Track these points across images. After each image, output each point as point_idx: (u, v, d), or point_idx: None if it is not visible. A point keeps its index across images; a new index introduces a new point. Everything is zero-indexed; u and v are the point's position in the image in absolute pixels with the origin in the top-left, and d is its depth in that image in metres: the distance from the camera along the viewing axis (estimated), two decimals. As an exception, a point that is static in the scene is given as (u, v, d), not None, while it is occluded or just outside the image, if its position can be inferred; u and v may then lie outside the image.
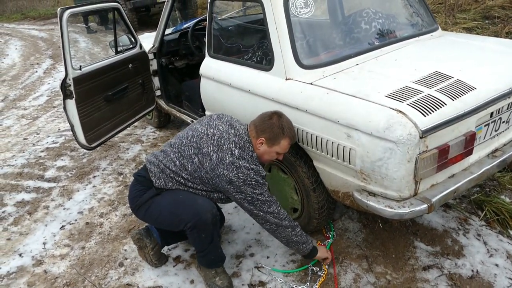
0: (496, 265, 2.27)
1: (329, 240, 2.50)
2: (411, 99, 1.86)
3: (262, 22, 2.38)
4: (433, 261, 2.31)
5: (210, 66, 2.80)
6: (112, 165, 3.68)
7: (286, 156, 2.33)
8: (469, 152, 1.97)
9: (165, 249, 2.51)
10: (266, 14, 2.30)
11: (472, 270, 2.24)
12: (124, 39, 3.45)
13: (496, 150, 2.19)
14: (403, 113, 1.78)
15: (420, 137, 1.75)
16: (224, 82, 2.63)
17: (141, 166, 3.50)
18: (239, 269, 2.37)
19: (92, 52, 8.33)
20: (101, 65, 3.05)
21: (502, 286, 2.13)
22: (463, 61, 2.26)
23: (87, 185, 3.40)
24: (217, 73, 2.72)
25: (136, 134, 4.30)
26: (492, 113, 2.04)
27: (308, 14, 2.35)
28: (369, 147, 1.84)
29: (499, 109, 2.07)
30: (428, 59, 2.30)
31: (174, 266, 2.43)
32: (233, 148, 2.01)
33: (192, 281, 2.31)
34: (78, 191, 3.33)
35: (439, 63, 2.20)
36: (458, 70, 2.11)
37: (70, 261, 2.56)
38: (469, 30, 5.91)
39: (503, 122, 2.16)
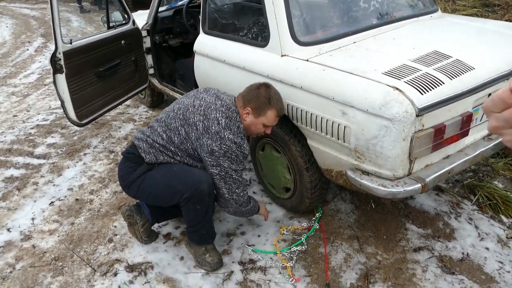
0: (487, 248, 2.27)
1: (317, 215, 2.51)
2: (409, 77, 1.83)
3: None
4: (424, 243, 2.31)
5: (205, 43, 2.74)
6: (103, 143, 3.63)
7: (280, 135, 2.30)
8: (465, 133, 1.95)
9: (155, 226, 2.48)
10: (263, -12, 2.24)
11: (463, 253, 2.24)
12: (116, 14, 3.37)
13: (491, 133, 2.17)
14: (400, 91, 1.75)
15: (417, 115, 1.72)
16: (219, 59, 2.58)
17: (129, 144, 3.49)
18: (230, 247, 2.36)
19: (85, 32, 8.17)
20: (93, 39, 2.98)
21: (492, 269, 2.14)
22: (463, 42, 2.22)
23: (77, 162, 3.35)
24: (211, 50, 2.66)
25: (128, 113, 4.23)
26: (490, 94, 2.02)
27: (306, -10, 2.29)
28: (364, 124, 1.81)
29: (497, 91, 2.04)
30: (427, 38, 2.26)
31: (164, 243, 2.41)
32: (219, 118, 1.99)
33: (181, 258, 2.29)
34: (68, 168, 3.28)
35: (438, 43, 2.17)
36: (457, 50, 2.08)
37: (59, 236, 2.52)
38: (469, 16, 5.86)
39: (500, 104, 2.13)
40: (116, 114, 4.17)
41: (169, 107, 2.20)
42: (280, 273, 2.15)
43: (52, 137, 3.81)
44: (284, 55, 2.20)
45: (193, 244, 2.22)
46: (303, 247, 2.30)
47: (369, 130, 1.80)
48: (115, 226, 2.57)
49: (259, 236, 2.42)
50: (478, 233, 2.37)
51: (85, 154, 3.46)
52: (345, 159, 2.00)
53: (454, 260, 2.20)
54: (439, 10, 2.82)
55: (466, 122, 1.91)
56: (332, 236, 2.38)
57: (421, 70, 1.88)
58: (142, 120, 4.06)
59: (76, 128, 3.82)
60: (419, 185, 1.80)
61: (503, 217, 2.51)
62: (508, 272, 2.12)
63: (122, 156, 2.23)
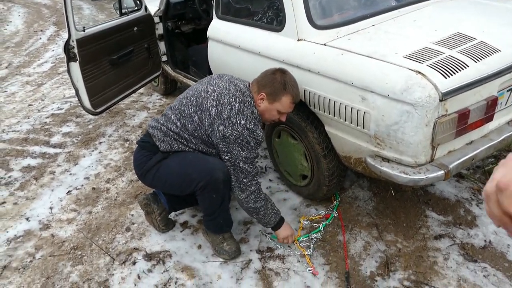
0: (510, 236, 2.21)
1: (335, 202, 2.47)
2: (431, 60, 1.77)
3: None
4: (444, 231, 2.26)
5: (218, 28, 2.69)
6: (118, 131, 3.63)
7: (296, 121, 2.26)
8: (489, 118, 1.89)
9: (172, 215, 2.48)
10: (278, -30, 2.18)
11: (485, 241, 2.19)
12: (128, 0, 3.33)
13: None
14: (423, 74, 1.69)
15: (440, 100, 1.66)
16: (233, 44, 2.53)
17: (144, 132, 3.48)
18: (247, 235, 2.35)
19: (96, 20, 8.16)
20: (105, 27, 2.95)
21: (515, 256, 2.09)
22: (486, 22, 2.13)
23: (93, 151, 3.36)
24: (225, 35, 2.61)
25: (142, 101, 4.22)
26: (515, 78, 1.94)
27: (323, -29, 2.22)
28: (384, 110, 1.76)
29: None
30: (449, 20, 2.18)
31: (181, 232, 2.41)
32: (233, 102, 1.95)
33: (199, 246, 2.29)
34: (84, 157, 3.29)
35: (461, 24, 2.09)
36: (481, 32, 2.00)
37: (77, 225, 2.54)
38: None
39: (527, 87, 2.05)
40: (130, 102, 4.16)
41: (183, 94, 2.17)
42: (299, 261, 2.13)
43: (68, 126, 3.83)
44: (300, 40, 2.15)
45: (210, 232, 2.22)
46: (321, 235, 2.28)
47: (390, 116, 1.75)
48: (132, 215, 2.58)
49: (276, 224, 2.40)
50: (501, 219, 2.31)
51: (100, 143, 3.46)
52: (364, 146, 1.95)
53: (476, 247, 2.15)
54: (460, -11, 2.71)
55: (491, 107, 1.84)
56: (351, 224, 2.35)
57: (444, 53, 1.82)
58: (156, 108, 4.05)
59: (90, 116, 3.83)
60: (442, 172, 1.75)
61: (526, 203, 2.44)
62: (532, 259, 2.07)
63: (137, 145, 2.21)
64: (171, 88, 4.21)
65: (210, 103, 1.99)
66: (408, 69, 1.72)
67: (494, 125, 2.01)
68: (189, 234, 2.39)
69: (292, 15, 2.15)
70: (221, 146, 1.96)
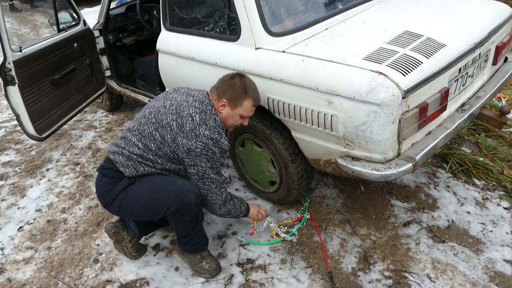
0: (468, 212, 2.39)
1: (305, 204, 2.52)
2: (389, 60, 1.85)
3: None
4: (411, 217, 2.39)
5: (168, 40, 2.61)
6: (66, 155, 3.41)
7: (261, 129, 2.26)
8: (444, 108, 2.02)
9: (142, 239, 2.38)
10: (228, -21, 2.16)
11: (448, 221, 2.34)
12: (64, 15, 3.12)
13: (464, 104, 2.26)
14: (384, 75, 1.76)
15: (403, 97, 1.74)
16: (186, 56, 2.47)
17: (98, 155, 3.31)
18: (224, 250, 2.31)
19: (20, 34, 7.59)
20: (44, 45, 2.75)
21: (476, 231, 2.26)
22: (428, 19, 2.26)
23: (40, 179, 3.13)
24: (177, 47, 2.54)
25: (87, 120, 4.00)
26: (460, 69, 2.08)
27: (273, -22, 2.23)
28: (352, 112, 1.81)
29: (465, 64, 2.11)
30: (395, 19, 2.29)
31: (154, 255, 2.32)
32: (193, 114, 1.90)
33: (177, 268, 2.22)
34: (31, 187, 3.05)
35: (407, 22, 2.20)
36: (426, 28, 2.12)
37: (36, 264, 2.35)
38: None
39: (469, 76, 2.22)
40: (74, 123, 3.92)
41: (140, 113, 2.07)
42: (281, 268, 2.14)
43: (6, 154, 3.53)
44: (258, 48, 2.15)
45: (186, 253, 2.15)
46: (296, 238, 2.30)
47: (357, 117, 1.81)
48: (98, 245, 2.43)
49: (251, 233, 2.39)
50: (458, 199, 2.49)
51: (47, 170, 3.23)
52: (333, 148, 2.00)
53: (442, 228, 2.29)
54: (396, -13, 2.86)
55: (444, 98, 1.97)
56: (324, 223, 2.40)
57: (398, 52, 1.91)
58: (103, 126, 3.85)
59: (32, 142, 3.56)
60: (410, 164, 1.84)
61: (475, 180, 2.65)
62: (491, 231, 2.25)
63: (98, 173, 2.08)
64: (117, 104, 4.03)
65: (170, 117, 1.92)
66: (370, 70, 1.79)
67: (447, 114, 2.15)
68: (164, 256, 2.31)
69: (248, 24, 2.14)
70: (187, 160, 1.91)
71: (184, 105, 1.94)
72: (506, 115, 2.34)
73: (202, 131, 1.86)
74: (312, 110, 1.95)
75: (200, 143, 1.85)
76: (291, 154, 2.24)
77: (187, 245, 2.10)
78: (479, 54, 2.17)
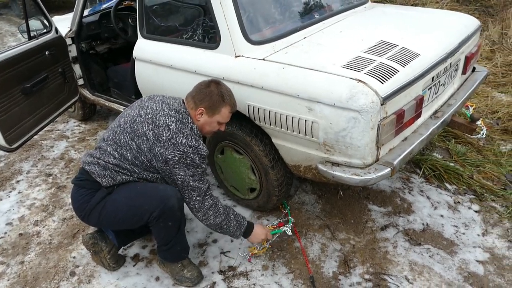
0: (441, 216, 2.47)
1: (285, 211, 2.53)
2: (367, 68, 1.91)
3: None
4: (388, 221, 2.45)
5: (145, 48, 2.60)
6: (37, 166, 3.30)
7: (241, 136, 2.27)
8: (418, 115, 2.09)
9: (120, 249, 2.33)
10: (208, -12, 2.17)
11: (423, 224, 2.42)
12: (35, 23, 3.04)
13: (436, 111, 2.35)
14: (364, 82, 1.81)
15: (381, 104, 1.80)
16: (165, 64, 2.46)
17: (71, 165, 3.21)
18: (205, 258, 2.29)
19: (-18, 43, 7.32)
20: (14, 53, 2.66)
21: (450, 233, 2.34)
22: (402, 30, 2.36)
23: (10, 192, 3.01)
24: (154, 55, 2.53)
25: (58, 130, 3.88)
26: (433, 77, 2.17)
27: (251, -12, 2.27)
28: (332, 118, 1.85)
29: (438, 73, 2.20)
30: (370, 29, 2.37)
31: (134, 266, 2.27)
32: (169, 123, 1.88)
33: (157, 278, 2.18)
34: (0, 200, 2.93)
35: (382, 33, 2.28)
36: (400, 38, 2.20)
37: (9, 280, 2.25)
38: (380, 2, 6.25)
39: (441, 85, 2.31)
40: (44, 132, 3.80)
41: (114, 122, 2.03)
42: (263, 274, 2.15)
43: (-28, 167, 3.38)
44: (238, 56, 2.17)
45: (167, 262, 2.12)
46: (290, 229, 2.29)
47: (337, 123, 1.85)
48: (74, 257, 2.36)
49: (232, 241, 2.38)
50: (431, 203, 2.58)
51: (18, 182, 3.11)
52: (314, 154, 2.03)
53: (417, 231, 2.36)
54: (369, 0, 2.97)
55: (419, 105, 2.05)
56: (304, 229, 2.43)
57: (376, 61, 1.97)
58: (76, 136, 3.75)
59: (0, 153, 3.42)
60: (389, 169, 1.89)
61: (447, 185, 2.74)
62: (463, 233, 2.34)
63: (73, 185, 2.03)
64: (90, 113, 3.93)
65: (146, 127, 1.90)
66: (350, 78, 1.84)
67: (421, 120, 2.23)
68: (143, 267, 2.27)
69: (227, 32, 2.16)
70: (166, 169, 1.90)
71: (160, 114, 1.92)
72: (476, 123, 2.45)
73: (179, 139, 1.85)
74: (293, 117, 1.98)
75: (177, 152, 1.84)
76: (271, 160, 2.26)
77: (168, 252, 2.07)
78: (450, 63, 2.27)
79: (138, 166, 1.93)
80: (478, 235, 2.32)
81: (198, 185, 1.91)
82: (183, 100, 2.04)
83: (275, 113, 2.04)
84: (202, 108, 1.96)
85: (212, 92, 1.96)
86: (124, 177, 1.94)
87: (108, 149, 1.95)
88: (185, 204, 1.99)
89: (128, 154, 1.92)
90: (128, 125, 1.94)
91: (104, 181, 1.92)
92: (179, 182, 1.89)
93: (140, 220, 1.92)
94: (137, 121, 1.93)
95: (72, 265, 2.30)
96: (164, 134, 1.86)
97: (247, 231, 2.08)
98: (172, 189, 1.93)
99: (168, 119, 1.90)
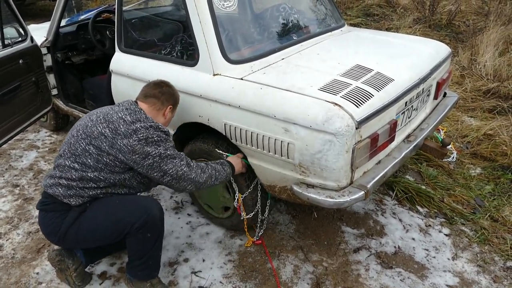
0: (413, 239, 2.50)
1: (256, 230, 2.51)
2: (343, 92, 1.93)
3: (179, 14, 2.26)
4: (361, 243, 2.46)
5: (123, 62, 2.57)
6: (3, 176, 3.18)
7: (216, 154, 2.26)
8: (392, 139, 2.13)
9: (87, 266, 2.25)
10: (188, 6, 2.18)
11: (395, 247, 2.44)
12: (10, 30, 2.97)
13: (409, 135, 2.40)
14: (339, 106, 1.84)
15: (356, 128, 1.82)
16: (142, 79, 2.43)
17: (40, 176, 3.09)
18: (175, 277, 2.24)
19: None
20: (-14, 61, 2.59)
21: (421, 257, 2.37)
22: (377, 55, 2.41)
23: (-27, 203, 2.89)
24: (132, 70, 2.50)
25: (28, 139, 3.77)
26: (406, 102, 2.23)
27: (232, 8, 2.29)
28: (308, 140, 1.86)
29: (411, 98, 2.26)
30: (346, 53, 2.42)
31: (100, 284, 2.20)
32: (123, 116, 1.88)
33: (125, 298, 2.12)
34: (-38, 211, 2.80)
35: (357, 57, 2.33)
36: (375, 63, 2.25)
37: (-34, 296, 2.15)
38: (355, 26, 6.42)
39: (414, 109, 2.37)
40: (14, 142, 3.68)
41: (66, 137, 1.98)
42: (234, 296, 2.11)
43: None
44: (216, 74, 2.17)
45: (136, 281, 2.06)
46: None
47: (313, 145, 1.86)
48: (37, 273, 2.27)
49: (204, 260, 2.34)
50: (403, 225, 2.61)
51: (-18, 193, 2.99)
52: (289, 175, 2.03)
53: (389, 254, 2.38)
54: (346, 24, 3.04)
55: (393, 129, 2.09)
56: (277, 250, 2.41)
57: (352, 84, 2.01)
58: (46, 146, 3.65)
59: (-35, 162, 3.29)
60: (363, 192, 1.91)
61: (419, 208, 2.79)
62: (434, 257, 2.37)
63: (39, 211, 1.96)
64: (63, 123, 3.84)
65: (100, 127, 1.86)
66: (326, 101, 1.86)
67: (395, 144, 2.27)
68: (111, 285, 2.19)
69: (206, 51, 2.16)
70: (137, 158, 1.82)
71: (111, 113, 1.91)
72: (447, 147, 2.52)
73: (138, 125, 1.85)
74: (269, 137, 1.98)
75: (141, 135, 1.82)
76: (246, 180, 2.25)
77: (139, 268, 2.00)
78: (423, 89, 2.33)
79: (103, 170, 1.87)
80: (448, 259, 2.36)
81: (175, 153, 1.90)
82: (133, 101, 2.03)
83: (251, 132, 2.04)
84: (170, 106, 2.09)
85: (172, 90, 2.12)
86: (92, 192, 1.88)
87: (67, 163, 1.89)
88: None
89: (89, 160, 1.86)
90: (81, 132, 1.90)
91: (72, 200, 1.87)
92: (156, 158, 1.83)
93: (121, 233, 1.88)
94: (89, 125, 1.89)
95: (35, 282, 2.21)
96: (121, 127, 1.84)
97: (232, 167, 2.13)
98: (153, 200, 1.97)
99: (121, 114, 1.89)
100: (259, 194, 2.31)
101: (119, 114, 1.88)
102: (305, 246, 2.44)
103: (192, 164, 1.96)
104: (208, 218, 2.65)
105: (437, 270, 2.28)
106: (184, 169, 1.90)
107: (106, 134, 1.84)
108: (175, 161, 1.88)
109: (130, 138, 1.81)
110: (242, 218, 2.34)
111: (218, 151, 2.26)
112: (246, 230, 2.40)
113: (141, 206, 1.88)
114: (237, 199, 2.29)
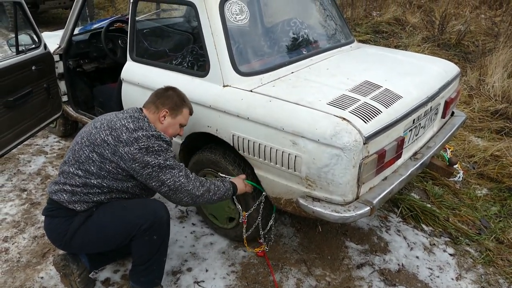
0: (417, 257, 2.49)
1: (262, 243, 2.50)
2: (352, 107, 1.95)
3: (191, 25, 2.30)
4: (364, 259, 2.45)
5: (134, 71, 2.61)
6: (12, 180, 3.21)
7: (223, 164, 2.28)
8: (399, 156, 2.14)
9: (91, 273, 2.25)
10: (201, 18, 2.22)
11: (398, 264, 2.42)
12: (24, 37, 3.03)
13: (416, 153, 2.40)
14: (348, 121, 1.85)
15: (364, 143, 1.83)
16: (153, 88, 2.42)
17: (47, 181, 3.12)
18: (178, 286, 2.24)
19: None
20: (1, 66, 2.64)
21: (424, 276, 2.35)
22: (386, 72, 2.43)
23: (-19, 205, 2.91)
24: (143, 79, 2.54)
25: (37, 145, 3.81)
26: (414, 120, 2.24)
27: (244, 21, 2.32)
28: (315, 154, 1.88)
29: (419, 116, 2.27)
30: (356, 68, 2.44)
31: (103, 291, 2.20)
32: (126, 124, 1.89)
33: (127, 306, 2.12)
34: (-31, 213, 2.83)
35: (366, 73, 2.35)
36: (384, 80, 2.27)
37: (-31, 298, 2.15)
38: (364, 42, 6.47)
39: (422, 127, 2.38)
40: (23, 147, 3.72)
41: (71, 145, 2.01)
42: (236, 307, 2.10)
43: None
44: (226, 86, 2.19)
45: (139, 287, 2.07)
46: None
47: (320, 159, 1.87)
48: (41, 278, 2.27)
49: (207, 270, 2.34)
50: (407, 243, 2.60)
51: (-11, 195, 3.02)
52: (295, 187, 2.04)
53: (393, 272, 2.37)
54: (355, 40, 3.07)
55: (400, 146, 2.09)
56: (280, 262, 2.40)
57: (360, 100, 2.02)
58: (54, 152, 3.68)
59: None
60: (368, 208, 1.91)
61: (423, 226, 2.78)
62: (438, 276, 2.35)
63: (44, 217, 1.98)
64: (71, 130, 3.87)
65: (103, 134, 1.88)
66: (334, 115, 1.88)
67: (401, 161, 2.28)
68: (113, 292, 2.20)
69: (217, 62, 2.19)
70: (136, 167, 1.84)
71: (115, 120, 1.93)
72: (453, 166, 2.52)
73: (140, 133, 1.87)
74: (276, 150, 1.99)
75: (142, 143, 1.84)
76: (253, 191, 2.26)
77: (142, 274, 2.01)
78: (431, 107, 2.34)
79: (106, 177, 1.89)
80: (452, 279, 2.34)
81: (174, 163, 1.91)
82: (138, 108, 2.05)
83: (259, 144, 2.05)
84: (165, 110, 2.01)
85: (172, 95, 2.05)
86: (96, 197, 1.91)
87: (71, 169, 1.91)
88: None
89: (92, 168, 1.88)
90: (85, 139, 1.93)
91: (77, 206, 1.89)
92: (155, 167, 1.85)
93: (128, 236, 1.90)
94: (93, 132, 1.92)
95: (39, 286, 2.22)
96: (124, 134, 1.86)
97: (235, 188, 2.12)
98: (160, 203, 1.98)
99: (124, 121, 1.91)
100: (260, 212, 2.32)
101: (123, 122, 1.90)
102: (309, 259, 2.43)
103: (190, 176, 1.96)
104: (212, 228, 2.66)
105: (441, 289, 2.26)
106: (182, 180, 1.91)
107: (108, 142, 1.86)
108: (173, 172, 1.89)
109: (131, 146, 1.83)
110: (244, 236, 2.36)
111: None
112: (246, 245, 2.41)
113: (148, 208, 1.92)
114: (242, 215, 2.30)
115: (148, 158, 1.84)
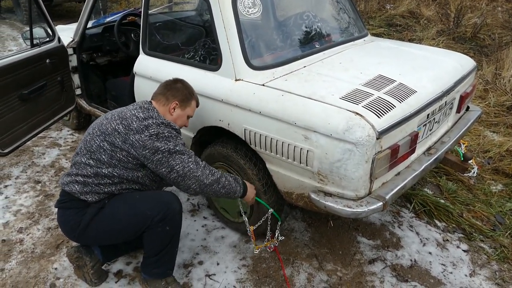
0: (430, 253, 2.47)
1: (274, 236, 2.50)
2: (365, 102, 1.93)
3: (203, 18, 2.29)
4: (376, 254, 2.44)
5: (147, 64, 2.61)
6: (26, 172, 3.26)
7: (235, 159, 2.28)
8: (412, 151, 2.11)
9: (104, 265, 2.28)
10: (213, 11, 2.21)
11: (411, 260, 2.41)
12: (38, 30, 3.06)
13: (430, 148, 2.37)
14: (361, 115, 1.83)
15: (377, 138, 1.81)
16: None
17: (61, 173, 3.17)
18: (189, 279, 2.26)
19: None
20: (15, 59, 2.66)
21: (437, 272, 2.33)
22: (399, 66, 2.40)
23: (-3, 196, 2.97)
24: (155, 72, 2.54)
25: (51, 137, 3.86)
26: (428, 114, 2.20)
27: (256, 14, 2.31)
28: (328, 148, 1.86)
29: (433, 111, 2.24)
30: (369, 62, 2.41)
31: (116, 282, 2.23)
32: (136, 113, 1.94)
33: (139, 297, 2.14)
34: (-15, 204, 2.88)
35: (380, 67, 2.32)
36: (398, 74, 2.24)
37: (-14, 287, 2.20)
38: (377, 36, 6.39)
39: (436, 122, 2.35)
40: (37, 139, 3.77)
41: (83, 136, 2.04)
42: (247, 301, 2.11)
43: (-40, 168, 3.33)
44: (238, 80, 2.19)
45: (151, 279, 2.08)
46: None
47: (333, 154, 1.86)
48: (55, 268, 2.31)
49: (218, 264, 2.35)
50: (420, 239, 2.57)
51: (6, 187, 3.07)
52: (307, 182, 2.03)
53: (405, 267, 2.35)
54: (369, 33, 3.03)
55: (413, 141, 2.07)
56: (291, 257, 2.40)
57: (373, 95, 2.00)
58: (68, 145, 3.73)
59: (-9, 157, 3.38)
60: (381, 203, 1.90)
61: (437, 222, 2.75)
62: (451, 273, 2.33)
63: (57, 209, 2.01)
64: (85, 123, 3.91)
65: (114, 123, 1.92)
66: (347, 110, 1.86)
67: (415, 156, 2.25)
68: (126, 284, 2.22)
69: (229, 56, 2.18)
70: (147, 153, 1.86)
71: (125, 111, 1.98)
72: (468, 161, 2.48)
73: (150, 122, 1.91)
74: (288, 144, 1.98)
75: (152, 130, 1.88)
76: (264, 185, 2.26)
77: (154, 266, 2.03)
78: (445, 102, 2.31)
79: (116, 166, 1.91)
80: (466, 275, 2.31)
81: (184, 149, 1.93)
82: (147, 100, 2.09)
83: (271, 138, 2.05)
84: (176, 102, 2.08)
85: (182, 87, 2.12)
86: (107, 188, 1.92)
87: (83, 160, 1.94)
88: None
89: (103, 157, 1.91)
90: (96, 129, 1.96)
91: (89, 197, 1.91)
92: (166, 153, 1.87)
93: (141, 227, 1.93)
94: (104, 123, 1.96)
95: (53, 277, 2.25)
96: (134, 123, 1.90)
97: (244, 187, 2.12)
98: (173, 194, 2.01)
99: (134, 111, 1.96)
100: (268, 228, 2.34)
101: (133, 112, 1.95)
102: (320, 254, 2.42)
103: (200, 163, 1.97)
104: (223, 222, 2.67)
105: (454, 286, 2.24)
106: (191, 165, 1.91)
107: (119, 130, 1.89)
108: (183, 157, 1.91)
109: (142, 133, 1.87)
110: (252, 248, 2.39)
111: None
112: (254, 243, 2.38)
113: (161, 199, 1.94)
114: (249, 229, 2.31)
115: (158, 144, 1.86)
